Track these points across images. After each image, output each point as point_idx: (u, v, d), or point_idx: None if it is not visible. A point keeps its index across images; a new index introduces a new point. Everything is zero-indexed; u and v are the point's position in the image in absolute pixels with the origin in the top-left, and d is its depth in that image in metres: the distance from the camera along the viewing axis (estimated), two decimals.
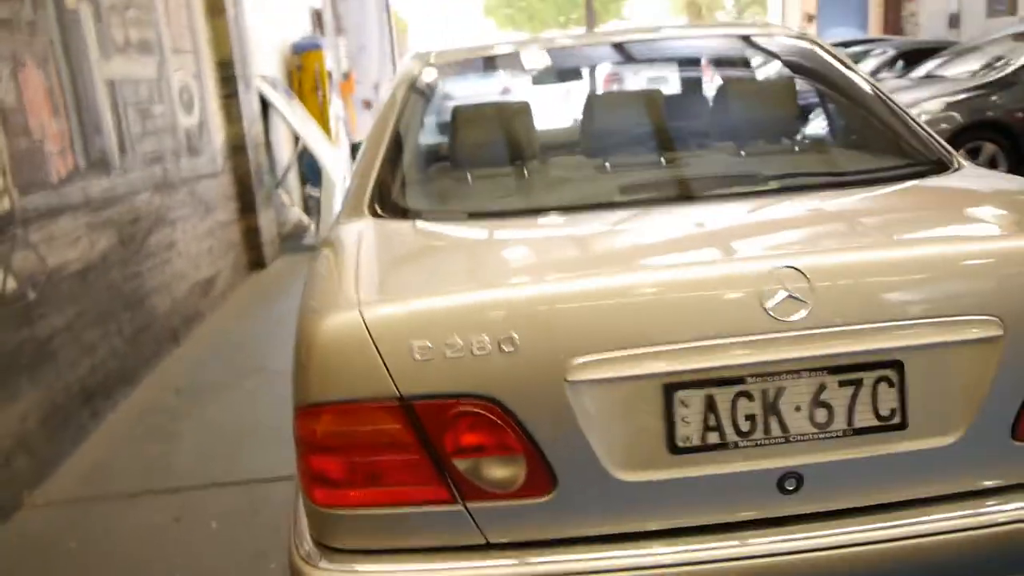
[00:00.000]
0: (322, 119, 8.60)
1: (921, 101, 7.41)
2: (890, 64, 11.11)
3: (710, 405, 1.48)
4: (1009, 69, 7.68)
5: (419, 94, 2.48)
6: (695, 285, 1.51)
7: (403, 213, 2.07)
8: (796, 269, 1.48)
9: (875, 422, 1.52)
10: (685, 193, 2.05)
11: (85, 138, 4.14)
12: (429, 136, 2.60)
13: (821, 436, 1.51)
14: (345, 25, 11.89)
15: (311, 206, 8.34)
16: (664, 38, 3.03)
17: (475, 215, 2.05)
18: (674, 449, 1.49)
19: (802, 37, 2.69)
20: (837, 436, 1.51)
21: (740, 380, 1.48)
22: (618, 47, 2.94)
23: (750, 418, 1.49)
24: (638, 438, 1.49)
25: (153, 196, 4.93)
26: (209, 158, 6.02)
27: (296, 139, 7.99)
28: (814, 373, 1.49)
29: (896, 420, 1.52)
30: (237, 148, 6.53)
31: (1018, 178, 2.07)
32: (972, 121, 7.37)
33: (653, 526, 1.53)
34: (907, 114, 2.36)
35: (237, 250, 6.49)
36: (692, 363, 1.46)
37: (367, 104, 12.91)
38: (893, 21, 18.21)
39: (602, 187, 2.18)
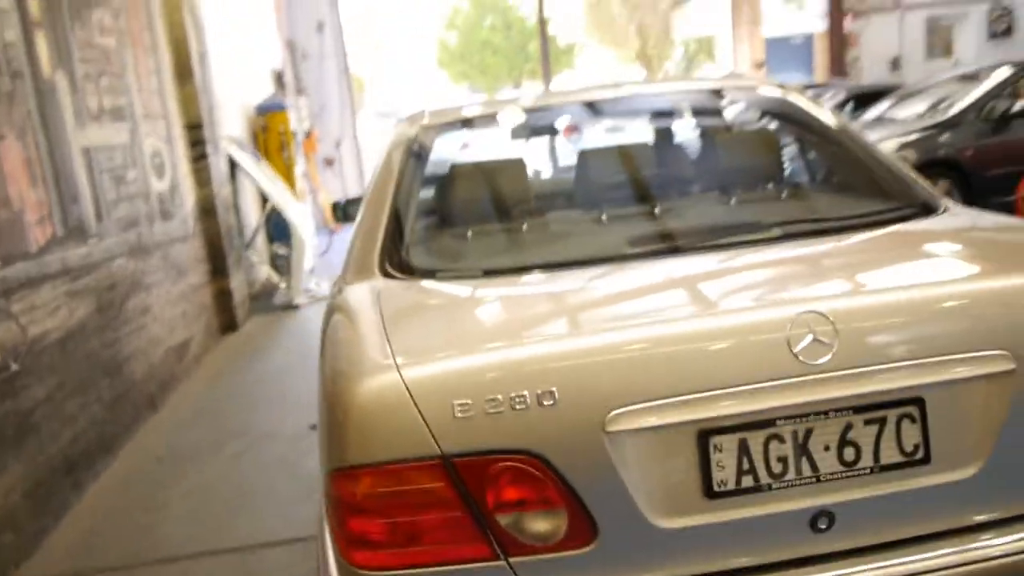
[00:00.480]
0: (288, 178, 8.61)
1: (876, 142, 7.63)
2: (840, 107, 11.44)
3: (743, 449, 1.52)
4: (955, 109, 7.96)
5: (415, 156, 2.50)
6: (727, 333, 1.55)
7: (417, 272, 2.09)
8: (820, 313, 1.53)
9: (900, 458, 1.56)
10: (696, 243, 2.09)
11: (63, 206, 4.11)
12: (431, 195, 2.62)
13: (850, 474, 1.55)
14: (305, 85, 11.97)
15: (279, 264, 8.31)
16: (655, 93, 3.07)
17: (490, 272, 2.06)
18: (710, 494, 1.52)
19: (781, 87, 2.78)
20: (865, 473, 1.56)
21: (771, 423, 1.52)
22: (596, 104, 2.89)
23: (782, 460, 1.53)
24: (675, 484, 1.52)
25: (128, 261, 4.89)
26: (181, 221, 5.99)
27: (264, 200, 7.98)
28: (841, 413, 1.54)
29: (920, 455, 1.57)
30: (207, 211, 6.51)
31: (1005, 216, 2.15)
32: (925, 160, 7.60)
33: (692, 571, 1.55)
34: (892, 159, 2.45)
35: (209, 313, 6.43)
36: (726, 409, 1.50)
37: (328, 162, 12.95)
38: (838, 65, 18.76)
39: (611, 240, 2.21)
